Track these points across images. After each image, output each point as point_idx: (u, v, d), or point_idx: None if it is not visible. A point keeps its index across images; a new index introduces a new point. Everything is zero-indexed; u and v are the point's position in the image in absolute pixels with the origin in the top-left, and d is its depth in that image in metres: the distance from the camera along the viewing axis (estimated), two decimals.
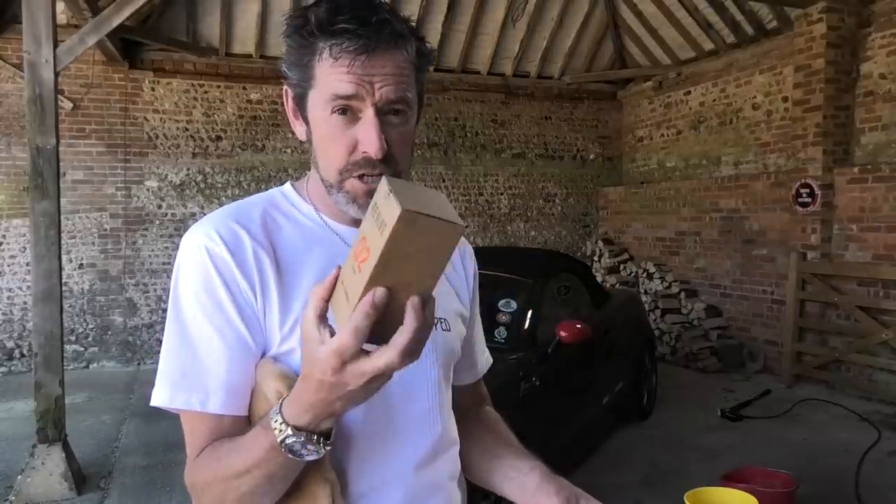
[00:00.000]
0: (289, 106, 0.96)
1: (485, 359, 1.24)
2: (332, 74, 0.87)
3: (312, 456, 0.79)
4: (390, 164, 0.90)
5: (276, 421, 0.77)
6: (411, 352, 0.69)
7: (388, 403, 0.93)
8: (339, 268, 0.74)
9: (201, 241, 0.90)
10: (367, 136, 0.87)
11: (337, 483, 0.87)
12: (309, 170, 1.03)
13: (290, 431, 0.76)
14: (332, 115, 0.89)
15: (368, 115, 0.87)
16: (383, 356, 0.68)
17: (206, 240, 0.90)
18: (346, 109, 0.88)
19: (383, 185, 0.69)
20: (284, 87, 0.95)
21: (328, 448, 0.79)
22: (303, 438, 0.77)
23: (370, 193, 0.88)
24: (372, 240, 0.68)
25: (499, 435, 1.13)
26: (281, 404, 0.79)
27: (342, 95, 0.87)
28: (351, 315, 0.68)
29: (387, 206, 0.66)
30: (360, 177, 0.90)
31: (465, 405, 1.16)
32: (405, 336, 0.68)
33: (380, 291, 0.67)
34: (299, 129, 0.97)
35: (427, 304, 0.69)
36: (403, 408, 0.95)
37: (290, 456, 0.78)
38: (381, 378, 0.71)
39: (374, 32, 0.85)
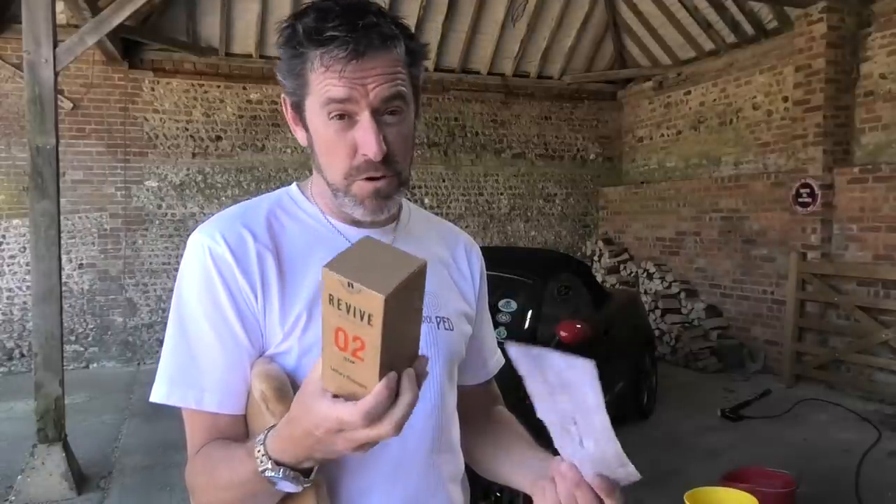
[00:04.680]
0: (288, 113, 0.98)
1: (496, 359, 1.23)
2: (324, 82, 0.87)
3: (290, 489, 0.80)
4: (390, 163, 0.91)
5: (258, 451, 0.79)
6: (403, 425, 0.71)
7: None
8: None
9: (205, 242, 0.92)
10: (366, 139, 0.88)
11: (323, 484, 0.87)
12: (310, 171, 1.04)
13: (269, 465, 0.78)
14: (329, 121, 0.89)
15: (364, 117, 0.88)
16: (380, 429, 0.70)
17: (210, 241, 0.92)
18: (343, 115, 0.89)
19: (333, 277, 0.67)
20: (283, 95, 0.97)
21: (307, 486, 0.81)
22: (281, 474, 0.78)
23: (376, 193, 0.92)
24: (356, 331, 0.67)
25: (512, 431, 1.13)
26: (266, 435, 0.80)
27: (336, 99, 0.87)
28: (366, 398, 0.69)
29: (360, 298, 0.66)
30: (366, 179, 0.92)
31: (477, 405, 1.16)
32: (401, 410, 0.70)
33: (392, 378, 0.69)
34: (300, 135, 0.98)
35: (420, 375, 0.72)
36: None
37: (270, 486, 0.80)
38: (369, 446, 0.73)
39: (363, 37, 0.86)
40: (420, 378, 0.72)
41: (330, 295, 0.68)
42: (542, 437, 1.12)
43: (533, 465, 0.99)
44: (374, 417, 0.69)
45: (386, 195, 0.94)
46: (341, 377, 0.70)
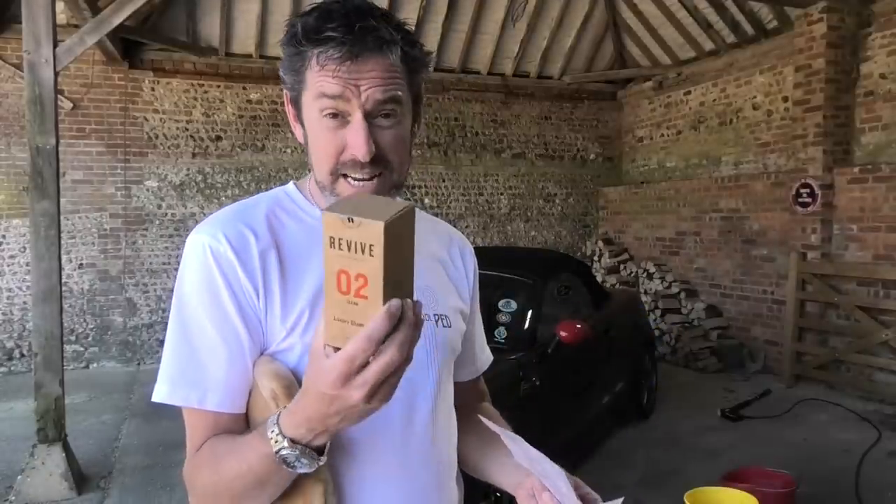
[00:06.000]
0: (288, 110, 0.99)
1: (485, 356, 1.25)
2: (319, 79, 0.89)
3: (305, 469, 0.80)
4: (381, 165, 0.92)
5: (272, 431, 0.79)
6: (409, 349, 0.71)
7: None
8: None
9: (206, 241, 0.92)
10: (355, 139, 0.89)
11: (330, 482, 0.88)
12: (310, 170, 1.04)
13: (285, 444, 0.78)
14: (322, 118, 0.91)
15: (356, 117, 0.89)
16: (383, 355, 0.70)
17: (212, 240, 0.92)
18: (336, 113, 0.90)
19: (333, 216, 0.69)
20: (285, 91, 0.98)
21: (321, 463, 0.81)
22: (297, 451, 0.78)
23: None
24: (358, 268, 0.69)
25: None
26: (279, 415, 0.80)
27: (328, 94, 0.89)
28: (366, 326, 0.69)
29: (360, 231, 0.68)
30: (349, 178, 0.93)
31: (464, 401, 1.17)
32: (403, 332, 0.70)
33: (395, 303, 0.69)
34: (298, 132, 0.99)
35: (417, 304, 0.72)
36: (403, 403, 0.96)
37: (284, 467, 0.80)
38: (382, 389, 0.72)
39: (358, 39, 0.87)
40: (418, 316, 0.72)
41: (330, 237, 0.70)
42: (529, 438, 1.13)
43: (518, 466, 1.00)
44: (376, 340, 0.69)
45: None
46: (345, 324, 0.71)
